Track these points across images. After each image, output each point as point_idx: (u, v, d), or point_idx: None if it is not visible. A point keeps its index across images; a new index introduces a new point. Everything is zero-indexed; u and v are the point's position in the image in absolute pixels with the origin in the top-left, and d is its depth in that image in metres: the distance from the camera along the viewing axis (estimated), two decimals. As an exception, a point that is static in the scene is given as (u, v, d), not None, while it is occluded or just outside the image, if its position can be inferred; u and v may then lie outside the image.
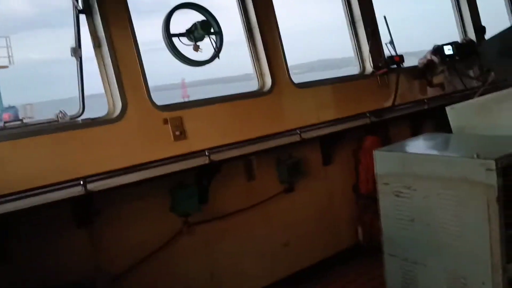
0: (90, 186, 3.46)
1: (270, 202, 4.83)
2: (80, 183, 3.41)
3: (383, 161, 3.84)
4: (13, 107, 30.09)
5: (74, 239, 3.68)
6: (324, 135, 5.03)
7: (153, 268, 4.05)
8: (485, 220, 3.13)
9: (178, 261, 4.21)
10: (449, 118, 4.19)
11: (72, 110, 4.06)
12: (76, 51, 4.12)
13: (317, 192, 5.26)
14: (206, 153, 4.07)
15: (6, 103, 31.30)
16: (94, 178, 3.61)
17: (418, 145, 4.05)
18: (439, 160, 3.46)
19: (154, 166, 3.99)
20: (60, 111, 4.15)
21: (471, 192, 3.20)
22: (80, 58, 4.17)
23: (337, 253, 5.35)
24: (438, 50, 6.11)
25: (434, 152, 3.57)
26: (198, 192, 4.21)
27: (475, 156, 3.16)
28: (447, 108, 4.19)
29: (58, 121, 3.95)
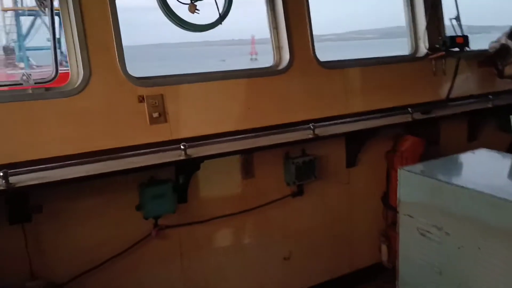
0: (14, 179, 2.70)
1: (270, 206, 3.94)
2: None
3: (409, 185, 2.83)
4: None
5: (6, 238, 2.98)
6: (350, 132, 4.01)
7: (108, 278, 3.32)
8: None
9: (142, 272, 3.46)
10: (514, 132, 3.09)
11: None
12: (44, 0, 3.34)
13: (333, 198, 4.30)
14: (182, 147, 3.20)
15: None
16: (25, 169, 2.84)
17: (462, 169, 2.96)
18: (484, 200, 2.40)
19: (118, 157, 3.17)
20: (24, 74, 3.41)
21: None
22: (51, 10, 3.38)
23: (350, 272, 4.45)
24: (515, 33, 4.82)
25: (480, 186, 2.49)
26: (174, 189, 3.40)
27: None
28: (513, 118, 3.10)
29: (22, 84, 3.25)
